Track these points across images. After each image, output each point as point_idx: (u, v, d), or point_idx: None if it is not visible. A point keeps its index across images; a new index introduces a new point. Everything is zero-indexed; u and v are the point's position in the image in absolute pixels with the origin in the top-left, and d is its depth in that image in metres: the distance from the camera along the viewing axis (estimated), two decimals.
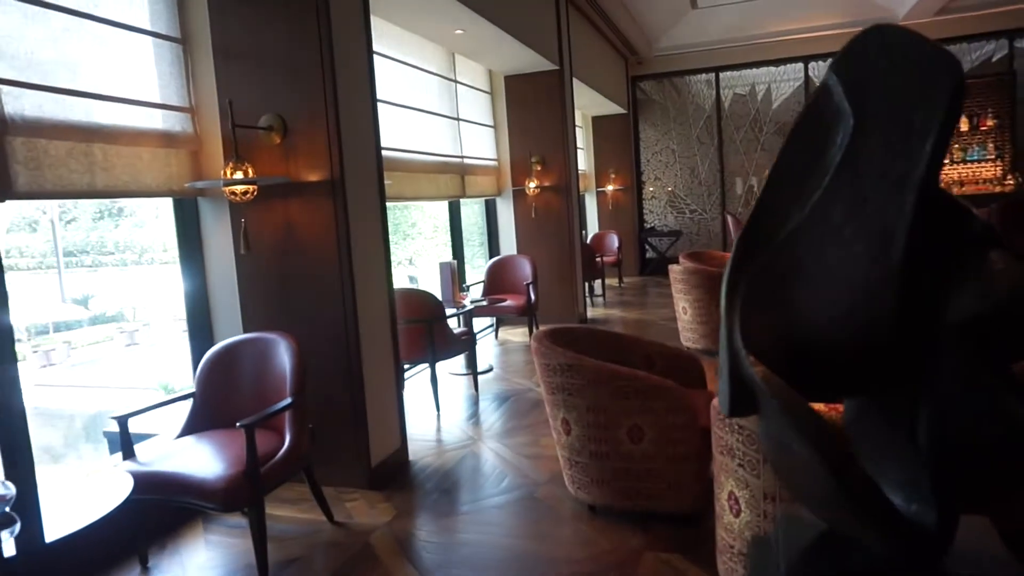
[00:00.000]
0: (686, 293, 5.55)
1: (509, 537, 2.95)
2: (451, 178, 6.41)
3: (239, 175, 3.18)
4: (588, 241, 10.28)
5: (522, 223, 7.54)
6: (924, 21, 9.79)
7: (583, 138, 11.33)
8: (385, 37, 5.33)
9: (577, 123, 11.21)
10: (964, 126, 9.81)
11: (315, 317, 3.42)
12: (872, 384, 1.19)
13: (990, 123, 9.77)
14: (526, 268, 6.61)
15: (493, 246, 7.77)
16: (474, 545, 2.89)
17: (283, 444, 2.81)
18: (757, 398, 1.18)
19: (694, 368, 3.30)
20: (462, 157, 6.69)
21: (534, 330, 6.80)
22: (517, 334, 7.25)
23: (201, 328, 3.58)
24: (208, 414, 3.00)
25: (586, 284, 8.70)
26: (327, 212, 3.36)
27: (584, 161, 11.37)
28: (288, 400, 2.83)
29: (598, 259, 9.00)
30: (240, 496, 2.47)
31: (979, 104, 9.88)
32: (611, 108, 10.73)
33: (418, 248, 7.87)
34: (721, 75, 11.05)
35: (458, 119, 6.71)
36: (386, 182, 3.86)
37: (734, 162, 11.11)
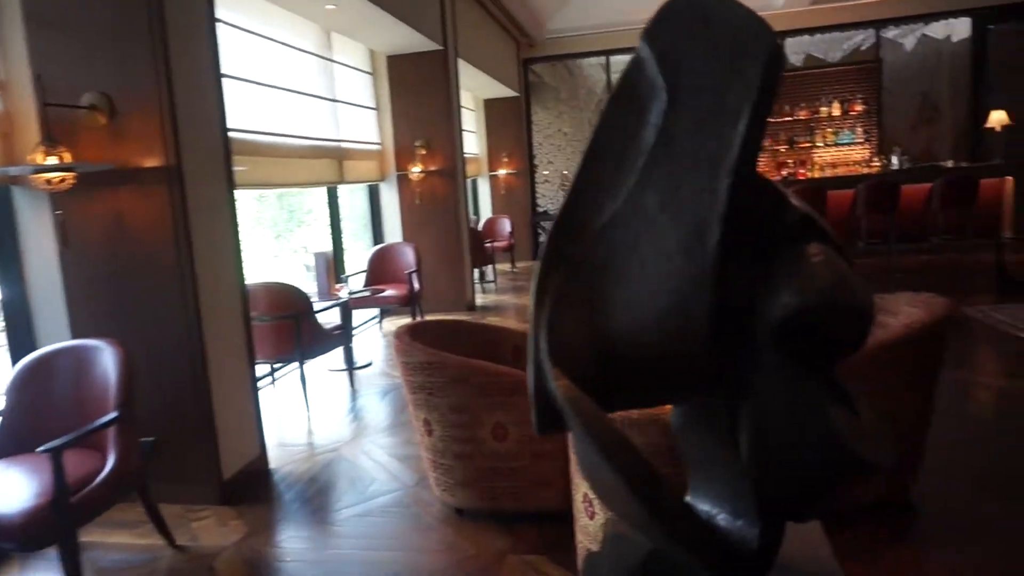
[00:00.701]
0: None
1: (370, 549, 2.76)
2: (327, 163, 6.08)
3: (52, 160, 2.80)
4: (480, 227, 10.13)
5: (407, 209, 7.29)
6: (800, 10, 10.15)
7: (475, 121, 11.14)
8: (249, 10, 4.94)
9: (468, 106, 11.01)
10: (836, 111, 10.26)
11: (152, 319, 3.08)
12: (690, 391, 1.08)
13: (859, 108, 10.27)
14: (409, 256, 6.38)
15: (377, 234, 7.48)
16: (332, 562, 2.68)
17: (106, 464, 2.50)
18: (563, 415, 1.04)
19: None
20: (340, 141, 6.36)
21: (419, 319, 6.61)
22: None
23: (21, 337, 3.17)
24: (18, 436, 2.64)
25: (476, 271, 8.56)
26: (162, 202, 3.03)
27: (476, 145, 11.19)
28: (113, 415, 2.52)
29: (488, 244, 8.86)
30: (43, 532, 2.16)
31: (849, 90, 10.36)
32: (503, 91, 10.58)
33: (316, 235, 7.48)
34: (612, 59, 11.10)
35: (335, 100, 6.36)
36: (239, 168, 3.54)
37: None
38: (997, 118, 9.11)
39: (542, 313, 1.02)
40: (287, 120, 5.42)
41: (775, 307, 0.91)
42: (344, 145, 6.44)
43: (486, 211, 11.38)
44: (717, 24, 0.94)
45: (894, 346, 2.36)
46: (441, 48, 6.95)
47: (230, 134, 3.43)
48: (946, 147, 10.35)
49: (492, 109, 11.19)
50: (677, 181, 0.95)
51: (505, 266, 10.47)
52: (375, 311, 7.02)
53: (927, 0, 9.97)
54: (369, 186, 7.38)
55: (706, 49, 0.94)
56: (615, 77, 11.11)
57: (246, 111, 4.77)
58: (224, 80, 3.39)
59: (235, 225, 3.41)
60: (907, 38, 10.31)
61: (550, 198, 11.59)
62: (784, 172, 10.16)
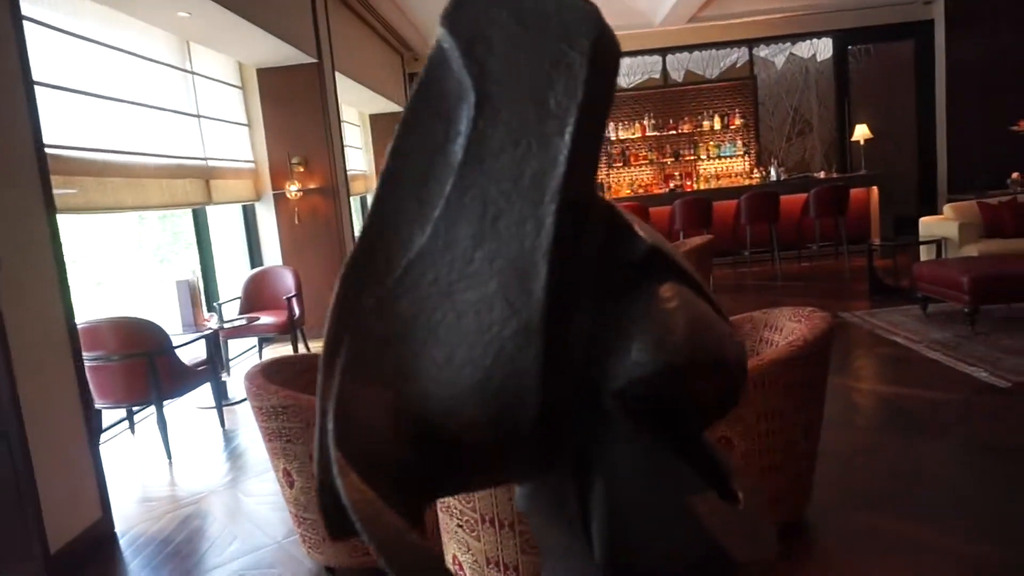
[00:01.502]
0: None
1: None
2: (190, 183, 5.59)
3: None
4: None
5: (286, 230, 6.85)
6: (677, 28, 10.44)
7: (361, 137, 10.77)
8: (92, 17, 4.44)
9: (353, 121, 10.64)
10: (717, 124, 10.59)
11: None
12: (526, 470, 0.86)
13: (738, 122, 10.64)
14: (288, 280, 5.96)
15: (255, 256, 6.99)
16: None
17: None
18: None
19: None
20: (205, 159, 5.88)
21: (299, 349, 6.19)
22: (284, 354, 6.56)
23: None
24: None
25: None
26: None
27: (364, 161, 10.82)
28: None
29: None
30: None
31: (728, 105, 10.73)
32: (388, 105, 10.27)
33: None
34: None
35: (199, 116, 5.88)
36: (64, 190, 3.10)
37: None
38: (860, 132, 9.65)
39: (330, 384, 0.77)
40: (140, 137, 4.93)
41: (620, 368, 0.70)
42: (211, 163, 5.95)
43: None
44: (532, 5, 0.73)
45: (778, 366, 2.26)
46: (315, 61, 6.59)
47: (54, 152, 2.98)
48: (817, 159, 10.90)
49: (379, 124, 10.86)
50: (494, 208, 0.73)
51: None
52: (254, 340, 6.53)
53: (794, 21, 10.48)
54: (244, 206, 6.89)
55: (520, 37, 0.72)
56: None
57: (86, 127, 4.27)
58: (55, 93, 2.95)
59: (59, 255, 2.96)
60: (777, 56, 10.81)
61: None
62: (672, 184, 10.38)
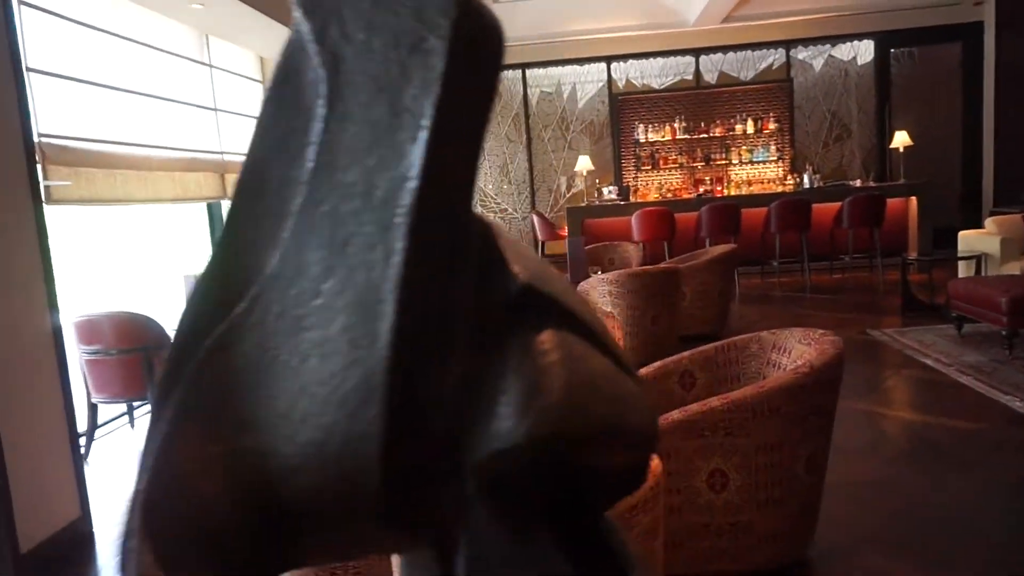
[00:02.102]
0: None
1: None
2: (205, 176, 5.55)
3: None
4: None
5: None
6: (712, 28, 10.16)
7: None
8: (112, 10, 4.41)
9: None
10: (751, 128, 10.29)
11: None
12: (381, 545, 0.70)
13: (772, 127, 10.33)
14: None
15: None
16: None
17: None
18: None
19: None
20: (222, 153, 5.84)
21: None
22: None
23: None
24: None
25: None
26: None
27: None
28: None
29: None
30: None
31: (762, 108, 10.43)
32: None
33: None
34: (528, 72, 10.88)
35: (216, 109, 5.84)
36: (59, 182, 3.03)
37: (543, 160, 10.99)
38: (900, 139, 9.28)
39: (152, 438, 0.63)
40: (154, 129, 4.89)
41: (480, 438, 0.54)
42: (227, 158, 5.91)
43: None
44: None
45: (780, 395, 2.08)
46: None
47: (57, 142, 2.92)
48: (855, 166, 10.53)
49: None
50: (344, 230, 0.57)
51: None
52: None
53: (834, 22, 10.13)
54: None
55: (376, 17, 0.57)
56: (532, 92, 10.91)
57: (96, 118, 4.23)
58: (58, 82, 2.89)
59: (45, 247, 2.90)
60: (816, 59, 10.46)
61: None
62: (701, 189, 10.12)
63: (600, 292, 4.75)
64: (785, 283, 8.21)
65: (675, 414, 2.12)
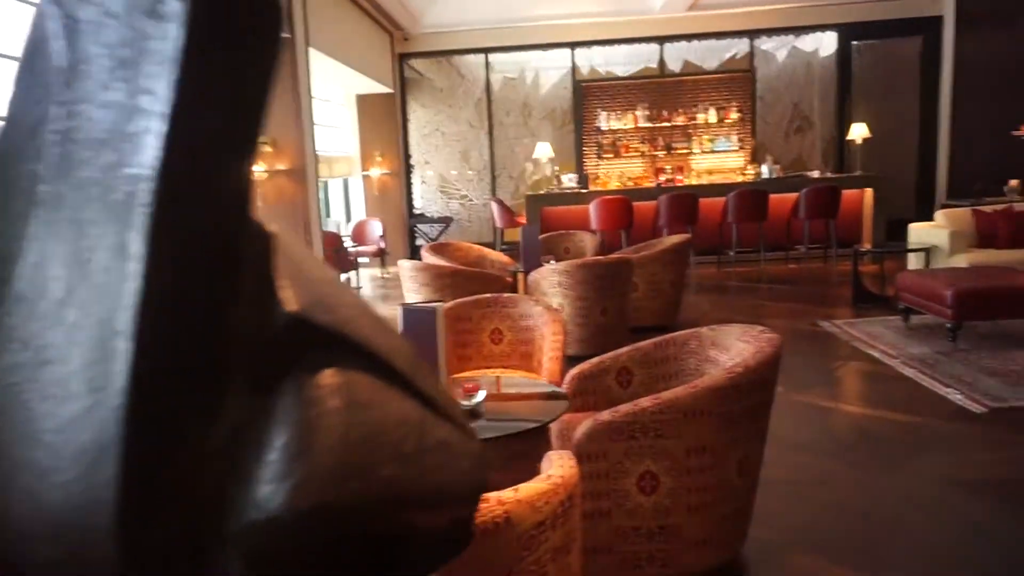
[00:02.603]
0: (416, 293, 5.02)
1: None
2: None
3: None
4: (350, 230, 9.55)
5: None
6: (677, 16, 10.12)
7: (349, 118, 10.52)
8: None
9: (339, 101, 10.37)
10: (713, 117, 10.29)
11: None
12: None
13: (734, 116, 10.34)
14: None
15: None
16: None
17: None
18: None
19: None
20: None
21: None
22: None
23: None
24: None
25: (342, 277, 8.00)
26: None
27: (351, 143, 10.56)
28: None
29: (352, 249, 8.29)
30: None
31: (724, 98, 10.43)
32: (376, 87, 9.99)
33: None
34: (491, 57, 10.72)
35: None
36: None
37: (504, 147, 10.87)
38: (858, 131, 9.36)
39: None
40: None
41: (240, 509, 0.46)
42: None
43: (360, 213, 10.76)
44: None
45: (713, 396, 2.03)
46: (287, 36, 6.31)
47: None
48: (815, 158, 10.61)
49: (365, 105, 10.58)
50: (87, 240, 0.48)
51: (377, 271, 9.90)
52: None
53: (797, 13, 10.16)
54: None
55: None
56: (495, 77, 10.76)
57: None
58: None
59: None
60: (779, 50, 10.49)
61: (428, 200, 11.09)
62: (662, 178, 10.11)
63: (550, 283, 4.68)
64: (741, 273, 8.25)
65: (605, 415, 2.06)
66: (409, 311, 2.32)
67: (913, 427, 3.42)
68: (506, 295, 3.35)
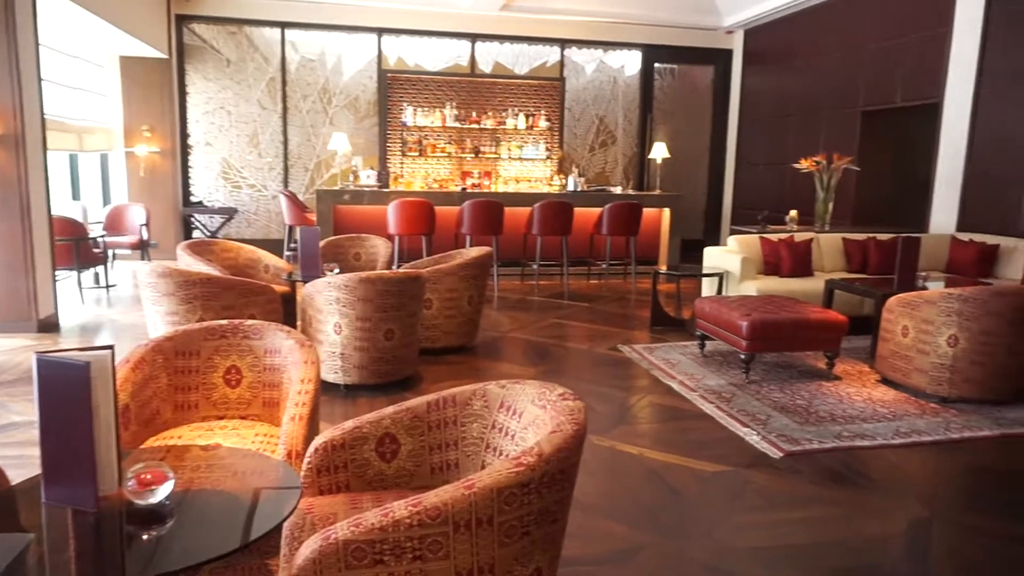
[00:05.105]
0: (155, 304, 4.01)
1: None
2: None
3: None
4: (103, 216, 8.02)
5: None
6: (489, 15, 9.72)
7: (115, 82, 8.90)
8: None
9: (96, 61, 8.73)
10: (522, 123, 10.02)
11: None
12: None
13: (542, 124, 10.16)
14: None
15: None
16: None
17: None
18: None
19: None
20: None
21: None
22: None
23: None
24: None
25: (78, 274, 6.59)
26: None
27: (113, 112, 8.94)
28: None
29: (97, 240, 6.87)
30: None
31: (535, 104, 10.22)
32: (146, 49, 8.51)
33: None
34: (289, 33, 9.62)
35: None
36: None
37: (300, 134, 9.82)
38: (658, 151, 9.55)
39: None
40: None
41: None
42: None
43: (121, 196, 9.15)
44: None
45: (493, 500, 1.46)
46: None
47: None
48: (617, 173, 10.75)
49: (131, 70, 9.01)
50: None
51: (138, 265, 8.41)
52: None
53: (605, 28, 10.20)
54: None
55: None
56: (292, 56, 9.68)
57: None
58: None
59: None
60: (589, 64, 10.48)
61: (209, 187, 9.71)
62: (469, 182, 9.65)
63: (325, 299, 3.93)
64: (544, 286, 7.99)
65: (340, 531, 1.41)
66: (47, 365, 1.51)
67: (719, 479, 3.13)
68: (249, 323, 2.57)
